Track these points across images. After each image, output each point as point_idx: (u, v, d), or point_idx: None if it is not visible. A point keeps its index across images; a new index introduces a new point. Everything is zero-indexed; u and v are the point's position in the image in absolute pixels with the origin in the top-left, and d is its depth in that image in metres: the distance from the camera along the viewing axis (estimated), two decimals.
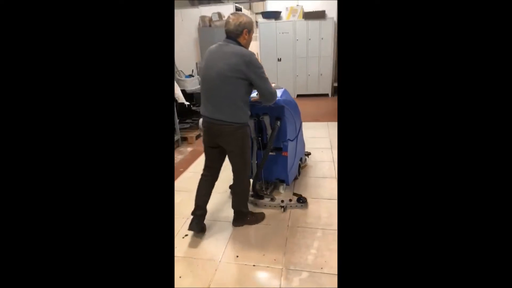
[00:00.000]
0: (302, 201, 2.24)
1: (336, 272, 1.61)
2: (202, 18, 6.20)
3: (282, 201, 2.24)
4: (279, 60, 5.91)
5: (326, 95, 6.02)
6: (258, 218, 2.08)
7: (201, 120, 4.00)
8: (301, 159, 2.68)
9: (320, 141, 3.55)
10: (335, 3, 5.85)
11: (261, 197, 2.26)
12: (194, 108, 4.16)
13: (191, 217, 1.93)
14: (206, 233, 2.00)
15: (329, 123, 4.25)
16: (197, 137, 3.91)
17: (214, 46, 1.69)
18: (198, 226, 1.90)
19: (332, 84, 6.01)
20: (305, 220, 2.10)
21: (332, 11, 5.72)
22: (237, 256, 1.78)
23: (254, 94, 1.88)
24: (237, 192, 1.98)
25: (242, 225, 2.04)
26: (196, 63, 6.03)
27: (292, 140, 2.30)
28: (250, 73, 1.58)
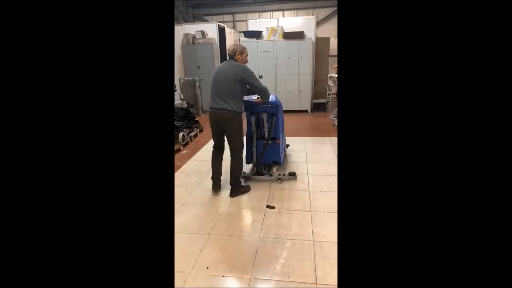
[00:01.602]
0: (292, 174, 3.02)
1: (301, 280, 1.68)
2: (186, 35, 6.37)
3: (279, 174, 3.04)
4: (261, 77, 6.10)
5: (306, 111, 6.23)
6: (246, 189, 2.82)
7: (181, 134, 4.29)
8: (284, 149, 3.51)
9: (296, 155, 3.68)
10: (313, 24, 6.20)
11: (262, 174, 3.09)
12: (175, 123, 4.21)
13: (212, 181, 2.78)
14: (179, 244, 2.04)
15: (306, 138, 4.40)
16: (177, 151, 3.95)
17: (222, 63, 2.65)
18: (218, 186, 2.80)
19: (311, 100, 6.24)
20: (276, 231, 2.17)
21: (310, 32, 6.03)
22: (208, 268, 1.82)
23: (255, 97, 2.81)
24: (235, 168, 2.68)
25: (237, 195, 2.71)
26: (179, 79, 6.14)
27: (281, 132, 3.13)
28: (245, 76, 2.48)
